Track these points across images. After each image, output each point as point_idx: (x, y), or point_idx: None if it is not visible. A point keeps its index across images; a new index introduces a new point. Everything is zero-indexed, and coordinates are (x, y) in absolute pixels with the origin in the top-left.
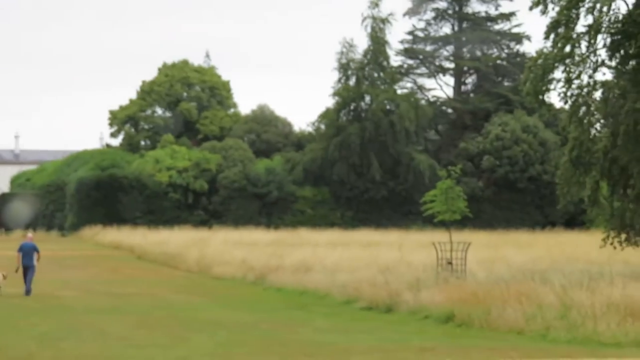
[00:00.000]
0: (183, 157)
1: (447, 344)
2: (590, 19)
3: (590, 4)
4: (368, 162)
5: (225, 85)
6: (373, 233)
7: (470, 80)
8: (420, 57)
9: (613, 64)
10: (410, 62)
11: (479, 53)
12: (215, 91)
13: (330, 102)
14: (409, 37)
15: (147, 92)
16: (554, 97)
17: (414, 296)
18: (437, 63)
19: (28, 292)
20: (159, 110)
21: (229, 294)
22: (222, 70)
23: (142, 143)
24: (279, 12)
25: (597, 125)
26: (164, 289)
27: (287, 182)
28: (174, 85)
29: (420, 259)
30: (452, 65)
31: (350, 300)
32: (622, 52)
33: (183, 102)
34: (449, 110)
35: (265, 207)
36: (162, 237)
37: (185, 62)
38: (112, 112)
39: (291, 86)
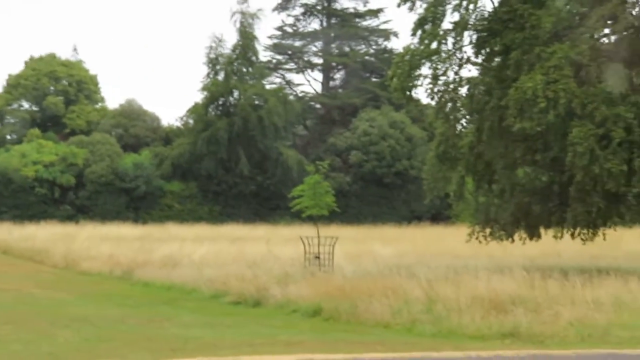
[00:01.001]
0: (50, 152)
1: (315, 338)
2: (456, 16)
3: (457, 1)
4: (236, 156)
5: (93, 80)
6: (241, 228)
7: (339, 75)
8: (289, 52)
9: (479, 60)
10: (279, 57)
11: (347, 49)
12: (82, 85)
13: (199, 97)
14: (278, 33)
15: (14, 86)
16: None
17: (282, 290)
18: (305, 58)
19: None
20: (26, 104)
21: (96, 290)
22: (90, 64)
23: (8, 137)
24: (149, 6)
25: (463, 121)
26: (29, 284)
27: (155, 177)
28: (41, 79)
29: (288, 254)
30: (320, 61)
31: (218, 295)
32: (487, 49)
33: (50, 96)
34: (317, 106)
35: (133, 201)
36: (28, 232)
37: (52, 56)
38: None
39: (160, 81)
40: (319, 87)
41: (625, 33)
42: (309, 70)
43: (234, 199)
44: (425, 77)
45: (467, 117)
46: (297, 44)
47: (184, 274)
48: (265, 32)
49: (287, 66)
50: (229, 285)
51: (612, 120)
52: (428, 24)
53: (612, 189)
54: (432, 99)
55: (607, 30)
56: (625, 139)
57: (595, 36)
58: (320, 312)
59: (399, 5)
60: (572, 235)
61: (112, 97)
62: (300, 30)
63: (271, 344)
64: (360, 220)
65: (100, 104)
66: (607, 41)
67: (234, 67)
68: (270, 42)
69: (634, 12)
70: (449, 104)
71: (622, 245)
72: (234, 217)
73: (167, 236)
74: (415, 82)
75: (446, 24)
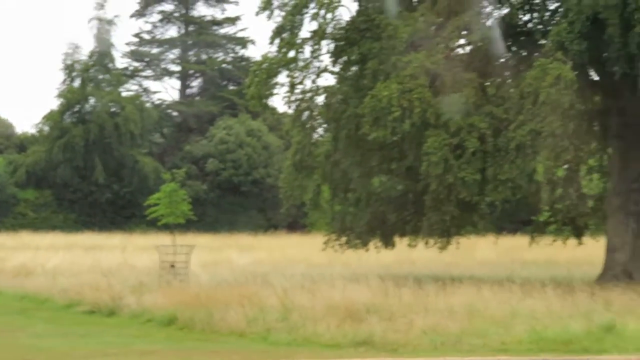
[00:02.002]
0: None
1: (169, 347)
2: (314, 25)
3: (315, 10)
4: (92, 164)
5: None
6: (96, 236)
7: (196, 83)
8: (147, 59)
9: (336, 69)
10: (136, 64)
11: (204, 57)
12: None
13: (55, 103)
14: (136, 40)
15: None
16: (278, 102)
17: (137, 300)
18: (163, 66)
19: None
20: None
21: None
22: None
23: None
24: (2, 10)
25: (320, 130)
26: None
27: (8, 185)
28: None
29: (143, 262)
30: (178, 69)
31: (72, 304)
32: (344, 58)
33: None
34: (175, 113)
35: None
36: None
37: None
38: None
39: (14, 88)
40: (176, 95)
41: (479, 44)
42: (166, 78)
43: (89, 207)
44: (283, 85)
45: (324, 125)
46: (155, 51)
47: (37, 283)
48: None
49: (144, 73)
50: (83, 295)
51: (466, 130)
52: (286, 32)
53: (465, 197)
54: (289, 107)
55: (462, 41)
56: (479, 149)
57: (451, 46)
58: (176, 321)
59: (257, 14)
60: (427, 243)
61: None
62: (158, 37)
63: (125, 353)
64: (216, 228)
65: None
66: (462, 51)
67: (91, 74)
68: (127, 49)
69: (488, 23)
70: (306, 113)
71: (476, 253)
72: (90, 226)
73: (20, 245)
74: (273, 91)
75: (304, 33)
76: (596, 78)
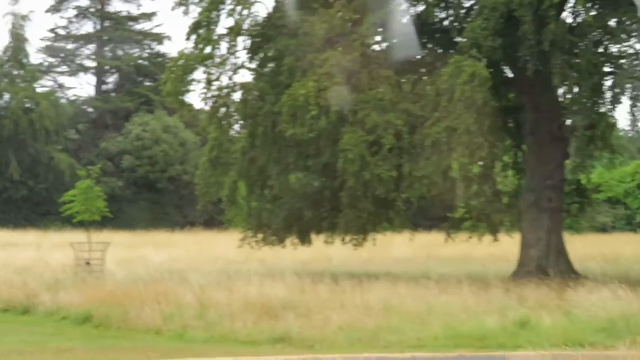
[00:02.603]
0: None
1: (85, 345)
2: (231, 22)
3: (232, 7)
4: (7, 161)
5: None
6: (11, 234)
7: (112, 79)
8: (62, 55)
9: (253, 66)
10: (52, 60)
11: (120, 53)
12: None
13: None
14: (51, 35)
15: None
16: (195, 98)
17: (52, 297)
18: (78, 62)
19: None
20: None
21: None
22: None
23: None
24: None
25: (237, 127)
26: None
27: None
28: None
29: (59, 260)
30: (93, 64)
31: None
32: (261, 55)
33: None
34: (90, 110)
35: None
36: None
37: None
38: None
39: None
40: (92, 91)
41: (395, 41)
42: (82, 74)
43: (4, 204)
44: (199, 82)
45: (241, 122)
46: (70, 47)
47: None
48: (38, 34)
49: (59, 69)
50: None
51: (382, 127)
52: (202, 28)
53: (382, 194)
54: (206, 104)
55: (378, 38)
56: (395, 146)
57: (367, 43)
58: (91, 319)
59: (173, 9)
60: (343, 240)
61: None
62: (74, 33)
63: (41, 351)
64: (133, 226)
65: None
66: (378, 48)
67: (5, 70)
68: (42, 44)
69: (404, 21)
70: (223, 109)
71: (392, 250)
72: (4, 223)
73: None
74: (189, 87)
75: (221, 29)
76: (511, 75)
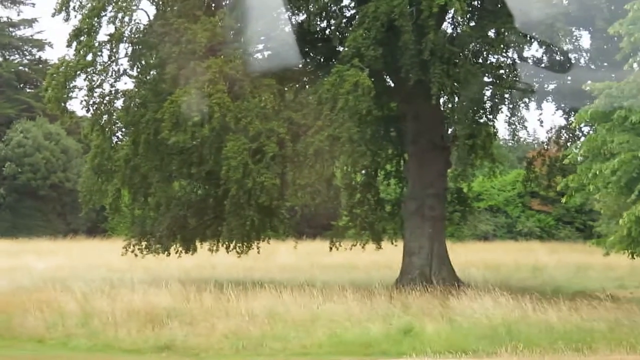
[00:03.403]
0: None
1: None
2: (112, 28)
3: (113, 14)
4: None
5: None
6: None
7: None
8: None
9: (134, 73)
10: None
11: (0, 59)
12: None
13: None
14: None
15: None
16: (77, 105)
17: None
18: None
19: None
20: None
21: None
22: None
23: None
24: None
25: (119, 134)
26: None
27: None
28: None
29: None
30: None
31: None
32: (143, 61)
33: None
34: None
35: None
36: None
37: None
38: None
39: None
40: None
41: (278, 49)
42: None
43: None
44: (81, 89)
45: (123, 129)
46: None
47: None
48: None
49: None
50: None
51: (265, 134)
52: (83, 35)
53: (265, 202)
54: (88, 111)
55: (260, 46)
56: (278, 153)
57: (249, 51)
58: None
59: (53, 15)
60: (227, 248)
61: None
62: None
63: None
64: (14, 233)
65: None
66: (260, 57)
67: None
68: None
69: (286, 29)
70: (105, 117)
71: (276, 258)
72: None
73: None
74: (71, 94)
75: (102, 36)
76: (392, 84)
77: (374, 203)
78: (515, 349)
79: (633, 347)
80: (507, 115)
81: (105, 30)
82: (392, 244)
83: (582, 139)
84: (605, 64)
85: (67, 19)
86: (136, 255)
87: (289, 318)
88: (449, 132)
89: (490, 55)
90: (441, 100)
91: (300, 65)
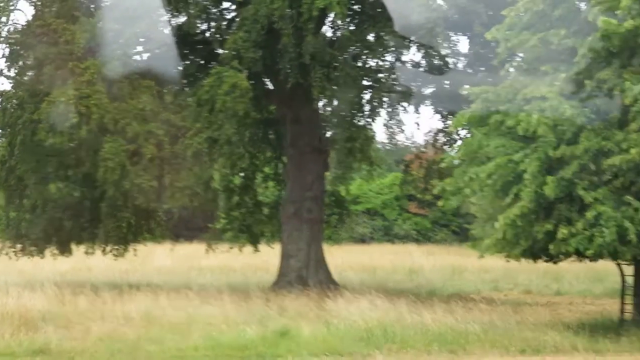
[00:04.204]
0: None
1: None
2: None
3: None
4: None
5: None
6: None
7: None
8: None
9: (12, 74)
10: None
11: None
12: None
13: None
14: None
15: None
16: None
17: None
18: None
19: None
20: None
21: None
22: None
23: None
24: None
25: None
26: None
27: None
28: None
29: None
30: None
31: None
32: (20, 62)
33: None
34: None
35: None
36: None
37: None
38: None
39: None
40: None
41: (157, 51)
42: None
43: None
44: None
45: (0, 131)
46: None
47: None
48: None
49: None
50: None
51: (143, 136)
52: None
53: (142, 204)
54: None
55: (140, 48)
56: (156, 155)
57: (128, 53)
58: None
59: None
60: (104, 250)
61: None
62: None
63: None
64: None
65: None
66: (140, 58)
67: None
68: None
69: (165, 31)
70: None
71: (153, 260)
72: None
73: None
74: None
75: None
76: (272, 87)
77: (252, 206)
78: (390, 351)
79: (506, 349)
80: (385, 119)
81: None
82: (270, 246)
83: (459, 142)
84: (483, 68)
85: None
86: (10, 257)
87: (165, 321)
88: (328, 135)
89: (369, 59)
90: (320, 104)
91: (180, 67)
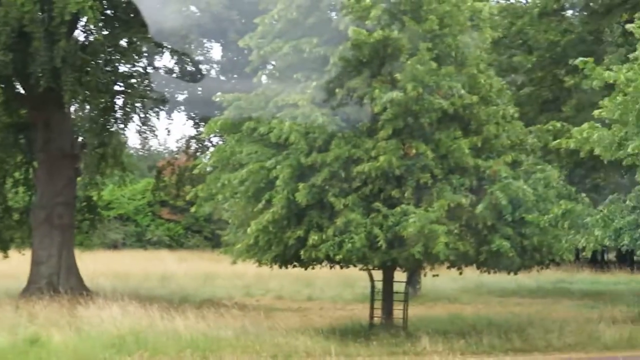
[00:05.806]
0: None
1: None
2: None
3: None
4: None
5: None
6: None
7: None
8: None
9: None
10: None
11: None
12: None
13: None
14: None
15: None
16: None
17: None
18: None
19: None
20: None
21: None
22: None
23: None
24: None
25: None
26: None
27: None
28: None
29: None
30: None
31: None
32: None
33: None
34: None
35: None
36: None
37: None
38: None
39: None
40: None
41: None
42: None
43: None
44: None
45: None
46: None
47: None
48: None
49: None
50: None
51: None
52: None
53: None
54: None
55: None
56: None
57: None
58: None
59: None
60: None
61: None
62: None
63: None
64: None
65: None
66: None
67: None
68: None
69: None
70: None
71: None
72: None
73: None
74: None
75: None
76: (22, 91)
77: (2, 211)
78: (142, 358)
79: (258, 354)
80: (138, 125)
81: None
82: (20, 252)
83: (212, 149)
84: (236, 75)
85: None
86: None
87: None
88: (80, 140)
89: (122, 64)
90: (72, 108)
91: None
